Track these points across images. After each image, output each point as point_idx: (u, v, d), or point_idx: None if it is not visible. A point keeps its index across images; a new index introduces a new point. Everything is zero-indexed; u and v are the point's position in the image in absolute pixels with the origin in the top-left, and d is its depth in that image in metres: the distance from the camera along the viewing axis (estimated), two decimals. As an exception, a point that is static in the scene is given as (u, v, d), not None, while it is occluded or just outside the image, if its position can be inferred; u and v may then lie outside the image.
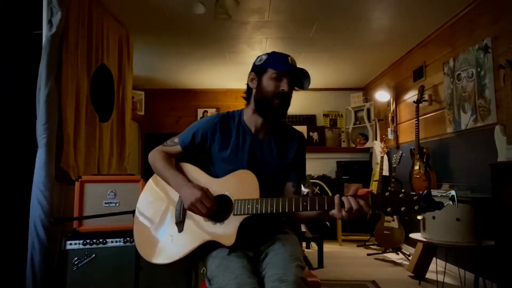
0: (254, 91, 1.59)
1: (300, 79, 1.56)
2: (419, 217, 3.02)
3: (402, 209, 1.24)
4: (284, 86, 1.50)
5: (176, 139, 1.64)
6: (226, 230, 1.41)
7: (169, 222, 1.55)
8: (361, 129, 6.09)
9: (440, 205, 1.22)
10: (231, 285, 1.26)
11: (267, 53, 1.59)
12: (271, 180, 1.54)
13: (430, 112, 4.07)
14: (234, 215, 1.41)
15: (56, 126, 2.54)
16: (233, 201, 1.44)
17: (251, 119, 1.60)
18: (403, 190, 1.28)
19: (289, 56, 1.56)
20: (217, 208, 1.45)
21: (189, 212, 1.50)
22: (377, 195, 1.28)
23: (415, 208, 1.22)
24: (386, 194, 1.27)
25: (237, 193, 1.45)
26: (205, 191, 1.44)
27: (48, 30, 2.51)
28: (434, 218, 2.89)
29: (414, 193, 1.25)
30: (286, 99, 1.53)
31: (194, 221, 1.49)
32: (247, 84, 1.62)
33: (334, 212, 1.31)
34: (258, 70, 1.57)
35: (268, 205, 1.37)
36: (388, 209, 1.25)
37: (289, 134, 1.65)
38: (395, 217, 4.30)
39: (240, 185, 1.47)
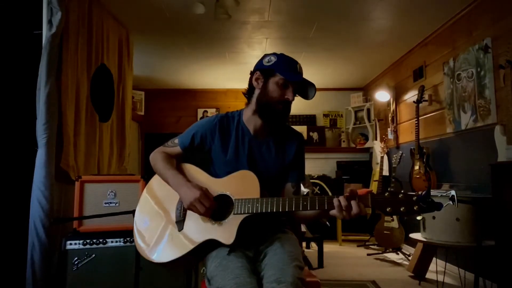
0: (257, 91, 1.56)
1: (304, 88, 1.55)
2: (418, 218, 3.02)
3: (402, 209, 1.23)
4: (289, 95, 1.50)
5: (176, 140, 1.65)
6: (226, 229, 1.41)
7: (170, 221, 1.55)
8: (361, 129, 6.09)
9: (439, 206, 1.22)
10: (230, 285, 1.26)
11: (276, 54, 1.56)
12: (270, 181, 1.54)
13: (430, 112, 4.07)
14: (234, 214, 1.42)
15: (56, 126, 2.54)
16: (233, 200, 1.44)
17: (250, 120, 1.60)
18: (402, 191, 1.27)
19: (298, 63, 1.54)
20: (216, 207, 1.46)
21: (189, 211, 1.50)
22: (377, 195, 1.28)
23: (415, 208, 1.22)
24: (386, 194, 1.27)
25: (238, 193, 1.45)
26: (204, 191, 1.44)
27: (48, 30, 2.50)
28: (434, 218, 2.89)
29: (413, 193, 1.25)
30: (289, 106, 1.53)
31: (194, 220, 1.49)
32: (250, 83, 1.59)
33: (334, 212, 1.30)
34: (265, 71, 1.54)
35: (269, 204, 1.37)
36: (388, 209, 1.25)
37: (288, 134, 1.65)
38: (394, 217, 4.30)
39: (241, 184, 1.47)
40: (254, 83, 1.57)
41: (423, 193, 1.23)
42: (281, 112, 1.52)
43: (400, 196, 1.25)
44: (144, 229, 1.60)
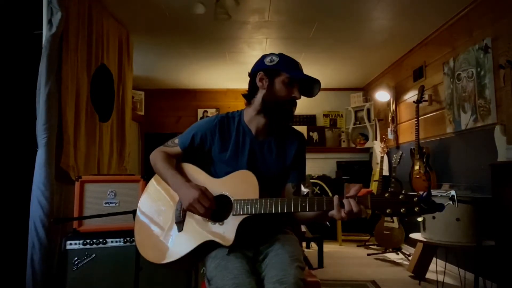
0: (262, 91, 1.54)
1: (306, 86, 1.56)
2: (419, 219, 3.01)
3: (402, 210, 1.21)
4: (296, 93, 1.52)
5: (176, 140, 1.65)
6: (225, 230, 1.41)
7: (170, 221, 1.55)
8: (361, 129, 6.09)
9: (441, 207, 1.19)
10: (229, 285, 1.26)
11: (277, 55, 1.55)
12: (271, 181, 1.54)
13: (430, 112, 4.07)
14: (233, 215, 1.41)
15: (56, 126, 2.54)
16: (232, 201, 1.44)
17: (253, 120, 1.59)
18: (403, 191, 1.24)
19: (298, 62, 1.58)
20: (216, 207, 1.45)
21: (189, 212, 1.49)
22: (377, 196, 1.25)
23: (415, 209, 1.20)
24: (386, 195, 1.24)
25: (237, 193, 1.44)
26: (203, 191, 1.44)
27: (48, 30, 2.50)
28: (434, 218, 2.89)
29: (414, 194, 1.22)
30: (295, 105, 1.56)
31: (194, 221, 1.49)
32: (252, 84, 1.57)
33: (333, 213, 1.30)
34: (269, 71, 1.53)
35: (268, 205, 1.37)
36: (388, 210, 1.22)
37: (289, 134, 1.65)
38: (395, 217, 4.31)
39: (240, 185, 1.47)
40: (259, 83, 1.55)
41: (424, 193, 1.20)
42: (289, 111, 1.54)
43: (400, 197, 1.22)
44: (144, 230, 1.59)
